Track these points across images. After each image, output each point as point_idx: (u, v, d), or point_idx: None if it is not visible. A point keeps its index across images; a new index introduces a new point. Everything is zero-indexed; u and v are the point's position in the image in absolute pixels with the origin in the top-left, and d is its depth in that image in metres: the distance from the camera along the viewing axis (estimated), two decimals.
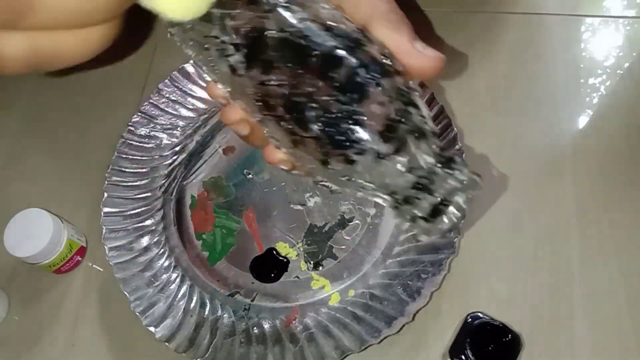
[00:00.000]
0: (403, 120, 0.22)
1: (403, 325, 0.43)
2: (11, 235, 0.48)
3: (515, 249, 0.48)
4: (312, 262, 0.49)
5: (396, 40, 0.25)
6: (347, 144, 0.22)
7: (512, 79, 0.56)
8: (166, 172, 0.54)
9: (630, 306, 0.45)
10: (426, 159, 0.23)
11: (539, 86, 0.55)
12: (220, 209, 0.52)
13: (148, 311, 0.46)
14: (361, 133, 0.22)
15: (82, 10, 0.18)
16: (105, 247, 0.49)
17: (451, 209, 0.23)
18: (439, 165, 0.23)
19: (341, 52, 0.22)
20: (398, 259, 0.47)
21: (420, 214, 0.23)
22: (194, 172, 0.54)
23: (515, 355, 0.40)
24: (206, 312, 0.47)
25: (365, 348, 0.42)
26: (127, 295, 0.47)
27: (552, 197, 0.50)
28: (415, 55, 0.25)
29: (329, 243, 0.49)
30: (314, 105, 0.22)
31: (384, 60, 0.23)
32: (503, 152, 0.52)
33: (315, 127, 0.22)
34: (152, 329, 0.45)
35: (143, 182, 0.54)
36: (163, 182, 0.54)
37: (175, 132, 0.56)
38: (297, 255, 0.49)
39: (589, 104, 0.54)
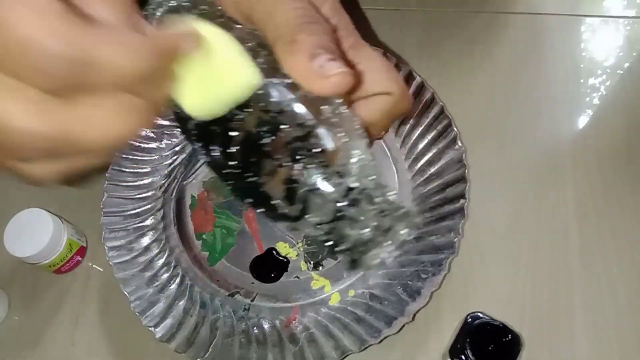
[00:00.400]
0: (297, 179, 0.22)
1: (403, 325, 0.43)
2: (11, 235, 0.48)
3: (515, 249, 0.48)
4: (312, 262, 0.49)
5: (291, 62, 0.22)
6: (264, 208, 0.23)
7: (512, 79, 0.56)
8: (166, 172, 0.54)
9: (630, 306, 0.45)
10: (334, 205, 0.22)
11: (539, 86, 0.55)
12: (220, 209, 0.52)
13: (148, 311, 0.46)
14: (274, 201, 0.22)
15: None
16: (105, 247, 0.49)
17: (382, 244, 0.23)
18: (346, 203, 0.22)
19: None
20: (398, 259, 0.47)
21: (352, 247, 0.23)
22: (194, 172, 0.54)
23: (515, 355, 0.40)
24: (206, 312, 0.47)
25: (365, 348, 0.42)
26: (127, 295, 0.47)
27: (552, 197, 0.50)
28: (312, 78, 0.21)
29: None
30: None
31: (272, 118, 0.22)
32: (503, 152, 0.52)
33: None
34: (152, 329, 0.45)
35: (143, 182, 0.54)
36: (163, 182, 0.54)
37: (175, 132, 0.56)
38: (297, 255, 0.49)
39: (589, 104, 0.54)
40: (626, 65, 0.55)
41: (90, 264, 0.53)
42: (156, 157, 0.55)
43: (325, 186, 0.22)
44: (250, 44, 0.23)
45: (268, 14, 0.23)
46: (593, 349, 0.44)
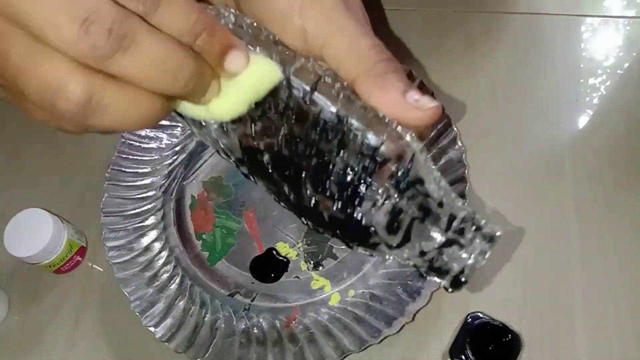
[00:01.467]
0: (403, 210, 0.22)
1: (403, 325, 0.43)
2: (11, 235, 0.48)
3: (515, 249, 0.48)
4: (312, 262, 0.49)
5: (385, 99, 0.23)
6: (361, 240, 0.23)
7: (512, 79, 0.56)
8: (166, 172, 0.54)
9: (630, 306, 0.45)
10: (434, 241, 0.23)
11: (539, 86, 0.55)
12: (220, 209, 0.52)
13: (148, 311, 0.46)
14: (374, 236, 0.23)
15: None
16: (105, 247, 0.49)
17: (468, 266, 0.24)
18: (448, 242, 0.23)
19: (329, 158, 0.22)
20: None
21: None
22: (194, 172, 0.54)
23: (515, 355, 0.40)
24: (206, 312, 0.47)
25: (365, 348, 0.42)
26: (127, 295, 0.47)
27: (552, 197, 0.50)
28: (409, 111, 0.23)
29: (329, 243, 0.49)
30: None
31: (369, 152, 0.22)
32: (503, 152, 0.52)
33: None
34: (152, 329, 0.45)
35: (143, 182, 0.54)
36: (163, 182, 0.54)
37: (175, 132, 0.56)
38: (297, 255, 0.49)
39: (589, 104, 0.54)
40: (626, 65, 0.55)
41: (90, 264, 0.53)
42: (156, 157, 0.55)
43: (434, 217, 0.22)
44: (262, 38, 0.24)
45: (345, 50, 0.24)
46: (593, 349, 0.44)
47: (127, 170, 0.53)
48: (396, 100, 0.23)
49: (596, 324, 0.44)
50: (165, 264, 0.50)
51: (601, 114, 0.53)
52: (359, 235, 0.23)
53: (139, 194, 0.53)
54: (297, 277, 0.48)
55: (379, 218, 0.22)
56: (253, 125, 0.23)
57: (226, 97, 0.22)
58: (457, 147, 0.49)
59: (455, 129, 0.49)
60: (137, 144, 0.54)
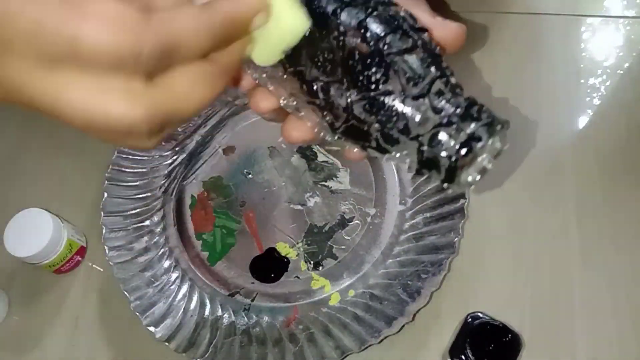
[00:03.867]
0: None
1: (403, 325, 0.43)
2: (11, 235, 0.48)
3: (515, 249, 0.48)
4: (312, 262, 0.49)
5: (418, 14, 0.25)
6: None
7: (512, 79, 0.56)
8: (166, 172, 0.54)
9: (630, 306, 0.45)
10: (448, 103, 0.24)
11: (539, 86, 0.55)
12: (220, 209, 0.52)
13: (148, 311, 0.46)
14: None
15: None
16: (105, 247, 0.49)
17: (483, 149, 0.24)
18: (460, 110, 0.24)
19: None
20: (398, 259, 0.47)
21: (447, 157, 0.23)
22: (194, 172, 0.54)
23: (515, 355, 0.40)
24: (206, 312, 0.47)
25: (365, 348, 0.42)
26: (127, 295, 0.47)
27: (552, 197, 0.50)
28: (439, 27, 0.25)
29: (329, 243, 0.49)
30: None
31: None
32: (503, 152, 0.52)
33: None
34: (152, 329, 0.45)
35: (143, 182, 0.54)
36: (163, 182, 0.54)
37: (175, 132, 0.56)
38: (297, 255, 0.49)
39: (589, 104, 0.54)
40: (626, 65, 0.55)
41: (90, 264, 0.53)
42: (156, 157, 0.55)
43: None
44: None
45: None
46: (593, 349, 0.44)
47: (127, 170, 0.53)
48: (429, 17, 0.25)
49: (596, 324, 0.44)
50: (165, 264, 0.50)
51: (601, 114, 0.53)
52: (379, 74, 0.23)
53: (138, 194, 0.53)
54: (297, 277, 0.48)
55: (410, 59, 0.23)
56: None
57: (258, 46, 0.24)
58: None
59: None
60: None
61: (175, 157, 0.55)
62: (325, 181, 0.52)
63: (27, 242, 0.48)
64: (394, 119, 0.23)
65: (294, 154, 0.54)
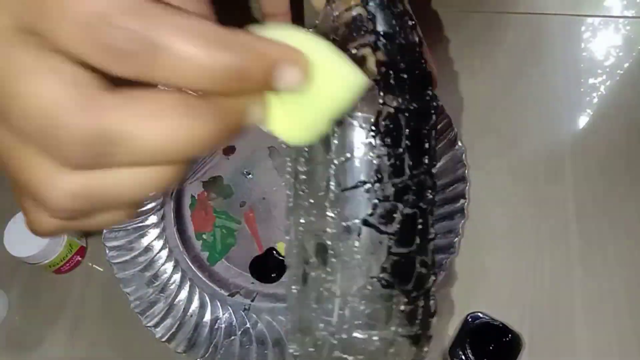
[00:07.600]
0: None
1: None
2: (11, 235, 0.48)
3: (515, 249, 0.48)
4: None
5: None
6: None
7: (512, 79, 0.56)
8: None
9: (630, 306, 0.45)
10: None
11: (539, 86, 0.55)
12: (220, 209, 0.52)
13: (148, 311, 0.46)
14: None
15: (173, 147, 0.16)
16: (105, 247, 0.49)
17: None
18: None
19: None
20: None
21: None
22: (194, 172, 0.54)
23: (515, 355, 0.40)
24: (206, 312, 0.47)
25: None
26: (127, 295, 0.47)
27: (552, 197, 0.50)
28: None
29: None
30: None
31: None
32: (503, 152, 0.52)
33: None
34: (152, 329, 0.45)
35: None
36: None
37: None
38: None
39: (589, 104, 0.54)
40: (626, 65, 0.55)
41: (90, 264, 0.53)
42: None
43: None
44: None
45: None
46: (593, 349, 0.44)
47: None
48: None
49: (596, 324, 0.44)
50: (165, 264, 0.49)
51: (601, 114, 0.53)
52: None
53: None
54: None
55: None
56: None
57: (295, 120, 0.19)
58: (457, 147, 0.49)
59: (455, 129, 0.49)
60: None
61: None
62: None
63: (27, 242, 0.48)
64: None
65: None
